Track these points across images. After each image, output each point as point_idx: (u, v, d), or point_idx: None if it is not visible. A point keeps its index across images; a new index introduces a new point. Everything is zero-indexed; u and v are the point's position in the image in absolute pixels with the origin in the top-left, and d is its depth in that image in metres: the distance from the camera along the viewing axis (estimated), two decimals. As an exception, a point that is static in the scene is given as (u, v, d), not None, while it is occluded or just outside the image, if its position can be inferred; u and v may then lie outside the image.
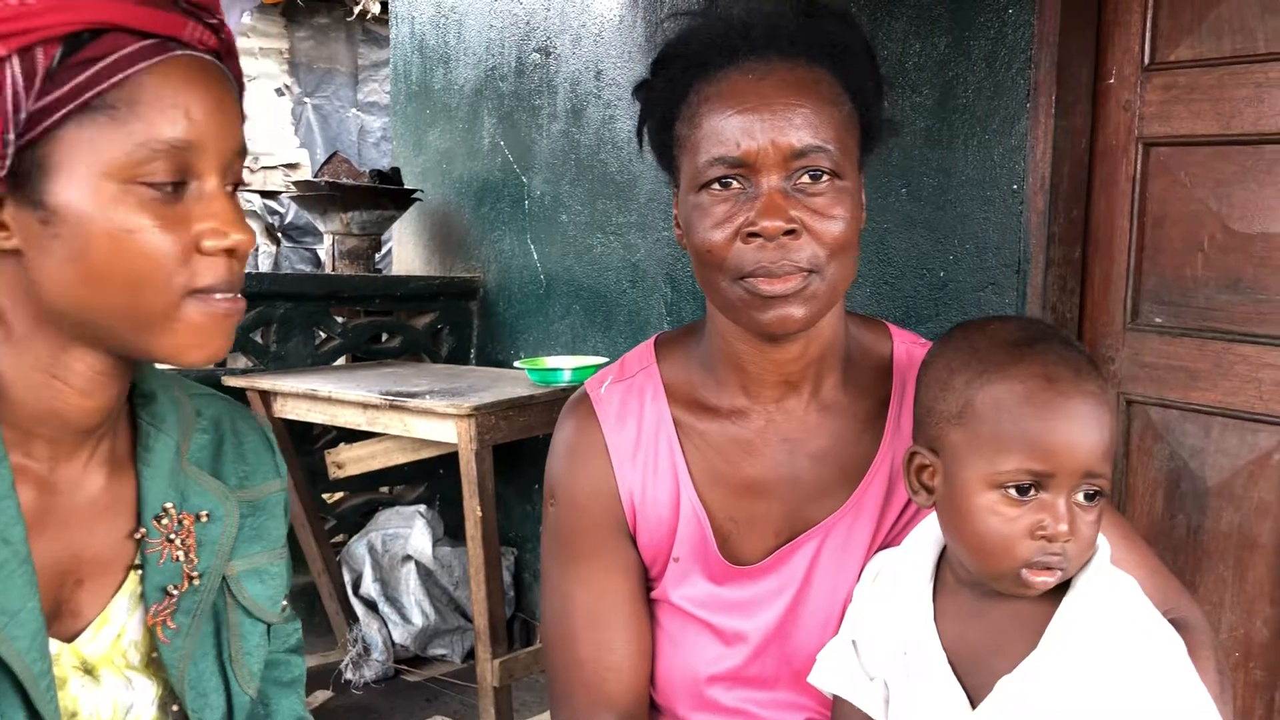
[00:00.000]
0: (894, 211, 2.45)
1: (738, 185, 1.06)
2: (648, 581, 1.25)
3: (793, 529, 1.19)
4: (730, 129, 1.05)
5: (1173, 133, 2.08)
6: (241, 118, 0.93)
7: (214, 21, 0.90)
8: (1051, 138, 2.16)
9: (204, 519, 0.99)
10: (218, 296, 0.88)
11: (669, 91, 1.12)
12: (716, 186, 1.07)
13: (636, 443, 1.21)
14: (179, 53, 0.85)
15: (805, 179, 1.05)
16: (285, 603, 1.09)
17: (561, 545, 1.23)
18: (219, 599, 1.02)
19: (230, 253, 0.88)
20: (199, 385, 1.10)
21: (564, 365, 2.94)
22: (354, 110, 7.53)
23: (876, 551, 1.19)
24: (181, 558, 0.97)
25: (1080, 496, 1.00)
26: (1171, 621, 1.05)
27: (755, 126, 1.04)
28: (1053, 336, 1.05)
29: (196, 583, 0.98)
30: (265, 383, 3.13)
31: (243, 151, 0.93)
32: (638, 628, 1.22)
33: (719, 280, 1.09)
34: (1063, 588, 1.04)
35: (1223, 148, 2.02)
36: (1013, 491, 0.99)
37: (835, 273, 1.07)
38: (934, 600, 1.10)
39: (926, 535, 1.14)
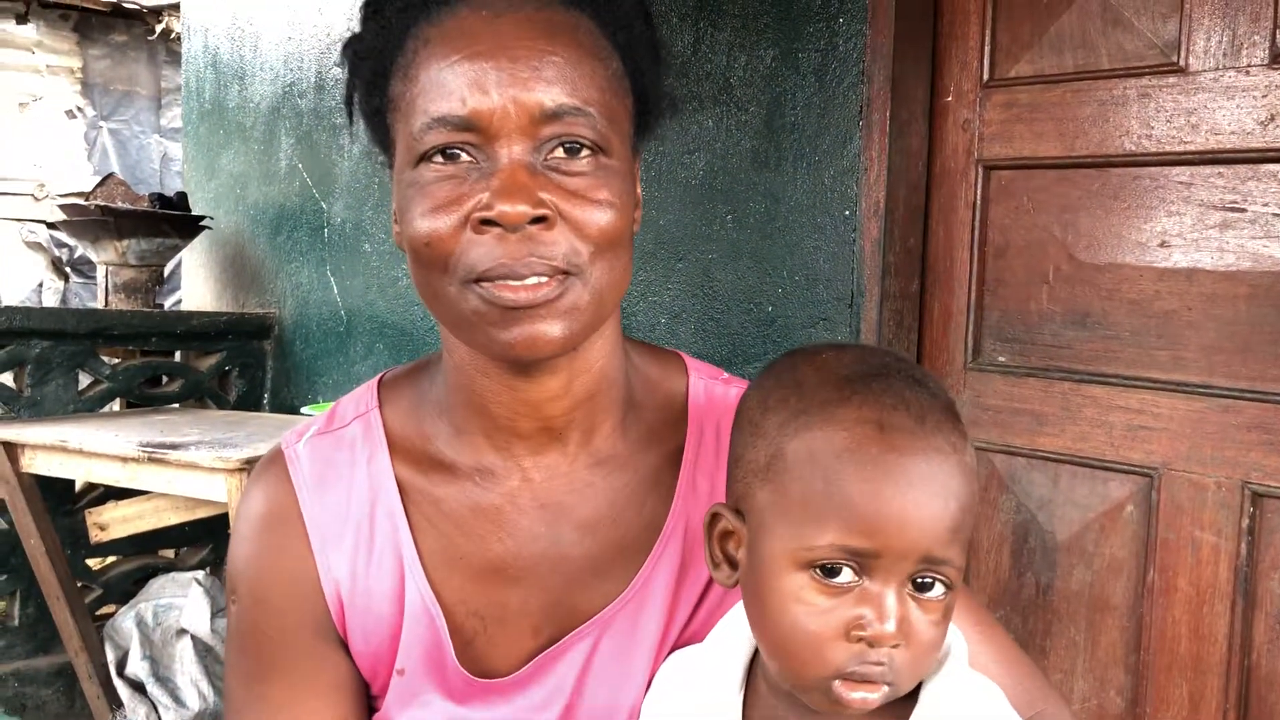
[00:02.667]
0: (719, 241, 2.21)
1: (467, 158, 0.79)
2: (369, 701, 0.94)
3: (558, 625, 0.91)
4: (456, 80, 0.77)
5: (1014, 154, 1.91)
6: None
7: None
8: (886, 159, 1.96)
9: None
10: None
11: (382, 39, 0.84)
12: (438, 159, 0.79)
13: (345, 515, 0.91)
14: None
15: (560, 152, 0.79)
16: None
17: (245, 655, 0.92)
18: None
19: None
20: None
21: (357, 411, 2.60)
22: (156, 136, 6.99)
23: (670, 650, 0.92)
24: None
25: (913, 587, 0.75)
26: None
27: (490, 77, 0.77)
28: (898, 372, 0.80)
29: None
30: (8, 432, 2.70)
31: None
32: None
33: (444, 286, 0.81)
34: (911, 696, 0.80)
35: (1067, 171, 1.86)
36: (824, 575, 0.75)
37: (601, 277, 0.81)
38: (745, 715, 0.85)
39: (736, 628, 0.88)
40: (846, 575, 0.75)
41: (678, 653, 0.92)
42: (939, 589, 0.77)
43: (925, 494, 0.75)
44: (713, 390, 0.97)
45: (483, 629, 0.91)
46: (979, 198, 1.96)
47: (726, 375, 0.99)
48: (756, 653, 0.87)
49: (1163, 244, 1.75)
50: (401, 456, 0.93)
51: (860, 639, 0.74)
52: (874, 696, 0.75)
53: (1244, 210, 1.67)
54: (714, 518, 0.83)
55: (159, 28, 6.49)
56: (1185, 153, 1.71)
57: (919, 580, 0.76)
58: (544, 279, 0.78)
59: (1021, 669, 0.94)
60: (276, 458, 0.93)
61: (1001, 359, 1.95)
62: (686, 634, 0.92)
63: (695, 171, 2.25)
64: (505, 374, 0.87)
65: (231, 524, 0.93)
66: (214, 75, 3.69)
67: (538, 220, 0.77)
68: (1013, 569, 1.95)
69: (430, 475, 0.93)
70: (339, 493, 0.91)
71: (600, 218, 0.79)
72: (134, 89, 6.86)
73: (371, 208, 3.09)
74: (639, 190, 0.88)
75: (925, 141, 2.01)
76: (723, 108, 2.20)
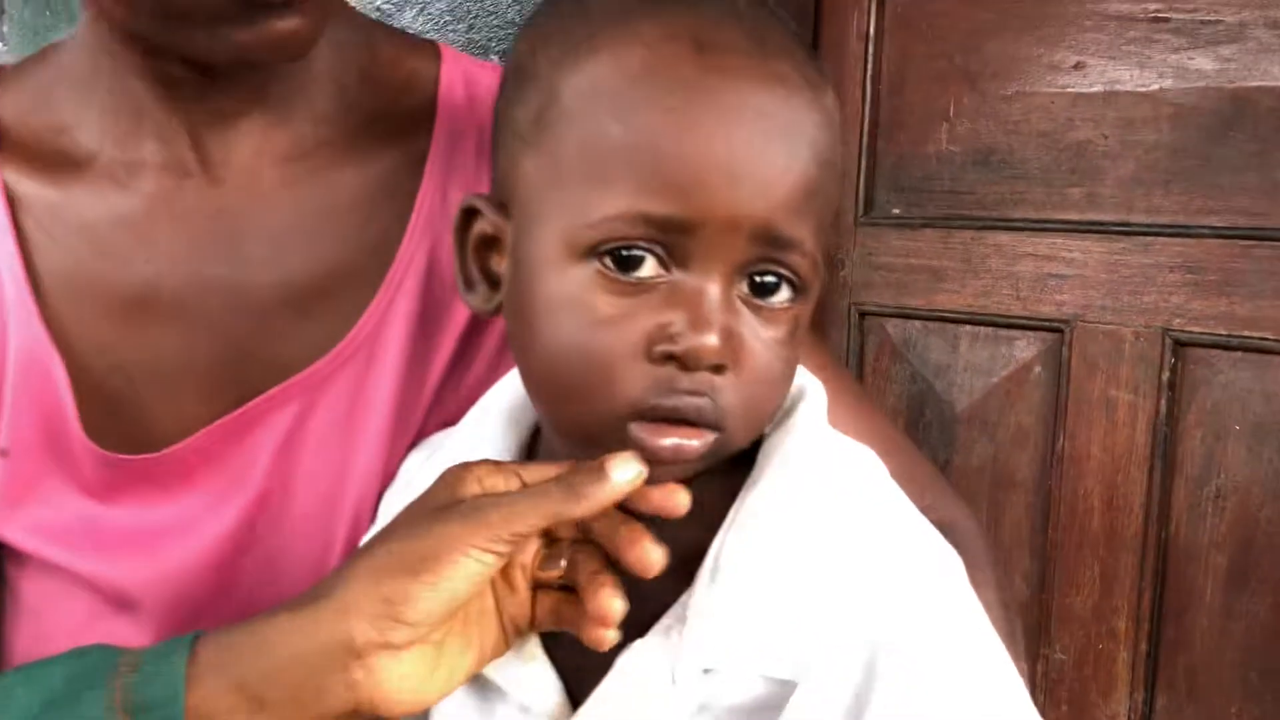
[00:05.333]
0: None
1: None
2: None
3: (245, 387, 0.65)
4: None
5: (912, -25, 1.67)
6: None
7: None
8: (769, -15, 1.71)
9: None
10: None
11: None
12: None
13: None
14: None
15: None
16: None
17: None
18: None
19: None
20: None
21: None
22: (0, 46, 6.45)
23: (418, 432, 0.66)
24: None
25: (746, 286, 0.52)
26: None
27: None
28: None
29: None
30: None
31: None
32: None
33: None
34: (745, 460, 0.57)
35: (972, -10, 1.62)
36: (616, 266, 0.51)
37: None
38: None
39: (508, 397, 0.63)
40: (649, 266, 0.51)
41: (431, 438, 0.67)
42: (785, 291, 0.52)
43: (762, 133, 0.50)
44: (477, 78, 0.71)
45: (130, 389, 0.64)
46: (872, 28, 1.72)
47: (498, 65, 0.74)
48: (539, 431, 0.62)
49: (1077, 65, 1.53)
50: (15, 153, 0.66)
51: (667, 356, 0.50)
52: (693, 444, 0.51)
53: (1168, 20, 1.46)
54: (468, 215, 0.57)
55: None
56: (1104, -44, 1.49)
57: (756, 277, 0.51)
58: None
59: (903, 452, 0.71)
60: None
61: (896, 210, 1.73)
62: (440, 411, 0.67)
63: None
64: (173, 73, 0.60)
65: None
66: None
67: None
68: (907, 445, 1.74)
69: (56, 175, 0.65)
70: None
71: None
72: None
73: None
74: None
75: (812, -34, 1.77)
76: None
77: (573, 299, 0.51)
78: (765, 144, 0.50)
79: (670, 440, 0.51)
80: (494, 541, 0.49)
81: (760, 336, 0.52)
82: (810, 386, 0.60)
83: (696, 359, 0.50)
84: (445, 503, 0.51)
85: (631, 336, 0.50)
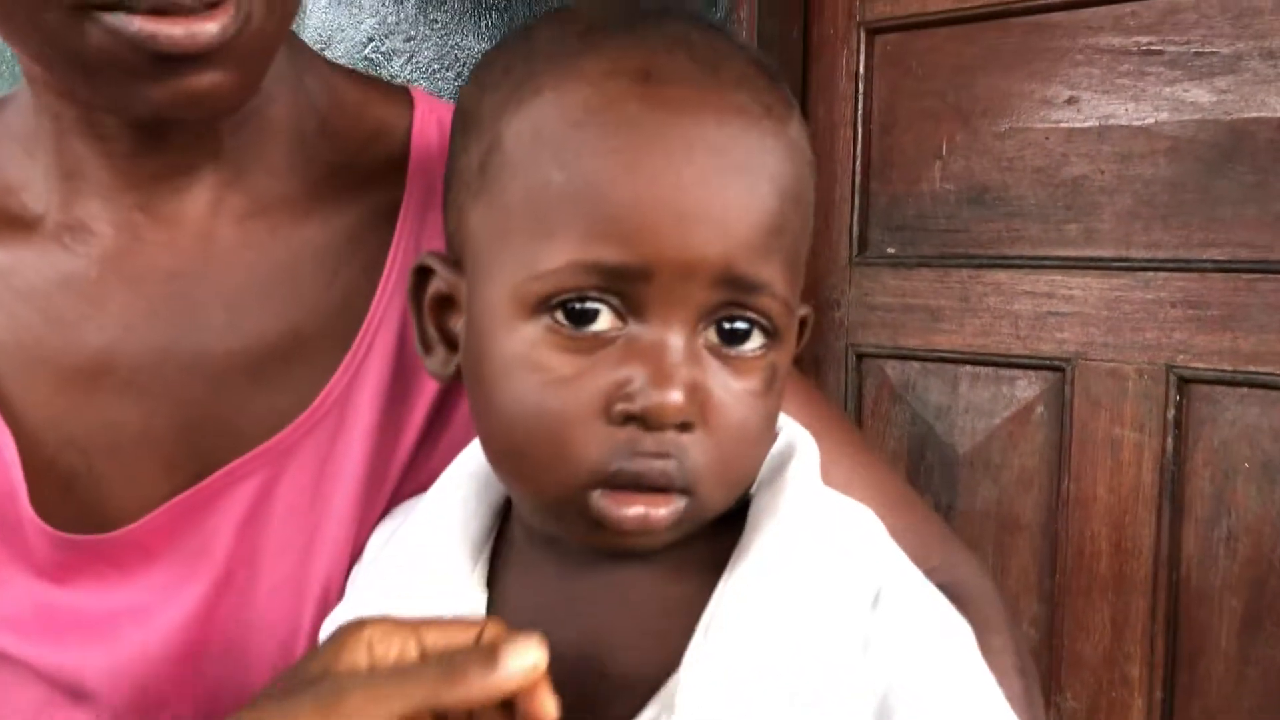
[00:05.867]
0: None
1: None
2: None
3: (206, 459, 0.61)
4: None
5: (900, 13, 1.66)
6: None
7: None
8: (756, 26, 1.70)
9: None
10: None
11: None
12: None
13: None
14: None
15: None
16: None
17: None
18: None
19: None
20: None
21: None
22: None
23: (390, 500, 0.63)
24: None
25: (714, 334, 0.48)
26: (938, 588, 0.54)
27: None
28: (683, 17, 0.52)
29: None
30: None
31: None
32: None
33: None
34: (730, 525, 0.53)
35: (960, 26, 1.61)
36: (569, 320, 0.47)
37: None
38: (492, 582, 0.57)
39: (479, 461, 0.59)
40: (604, 319, 0.47)
41: (401, 505, 0.63)
42: (756, 338, 0.48)
43: (715, 169, 0.46)
44: (448, 125, 0.68)
45: (86, 466, 0.61)
46: (862, 67, 1.71)
47: None
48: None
49: (1070, 100, 1.51)
50: None
51: (628, 417, 0.46)
52: (660, 513, 0.47)
53: (1161, 52, 1.43)
54: (421, 274, 0.54)
55: None
56: (1093, -10, 1.48)
57: (724, 324, 0.47)
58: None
59: (907, 506, 0.67)
60: None
61: (890, 250, 1.70)
62: (414, 477, 0.63)
63: (544, 57, 1.97)
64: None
65: None
66: None
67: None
68: (909, 489, 1.70)
69: (2, 239, 0.62)
70: None
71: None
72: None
73: None
74: None
75: (802, 5, 1.75)
76: (573, -19, 1.92)
77: (525, 358, 0.47)
78: (719, 180, 0.46)
79: (635, 510, 0.46)
80: None
81: (731, 389, 0.48)
82: (801, 441, 0.57)
83: (658, 417, 0.45)
84: (314, 676, 0.45)
85: (588, 396, 0.46)
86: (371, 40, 2.23)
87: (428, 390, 0.65)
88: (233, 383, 0.62)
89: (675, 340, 0.46)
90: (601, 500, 0.47)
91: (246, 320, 0.62)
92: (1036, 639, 1.58)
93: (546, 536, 0.53)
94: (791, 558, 0.52)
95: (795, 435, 0.56)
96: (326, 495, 0.62)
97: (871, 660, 0.50)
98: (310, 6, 2.31)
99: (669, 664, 0.50)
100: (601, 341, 0.46)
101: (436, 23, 2.12)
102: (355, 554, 0.63)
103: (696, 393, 0.46)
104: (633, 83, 0.47)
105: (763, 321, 0.48)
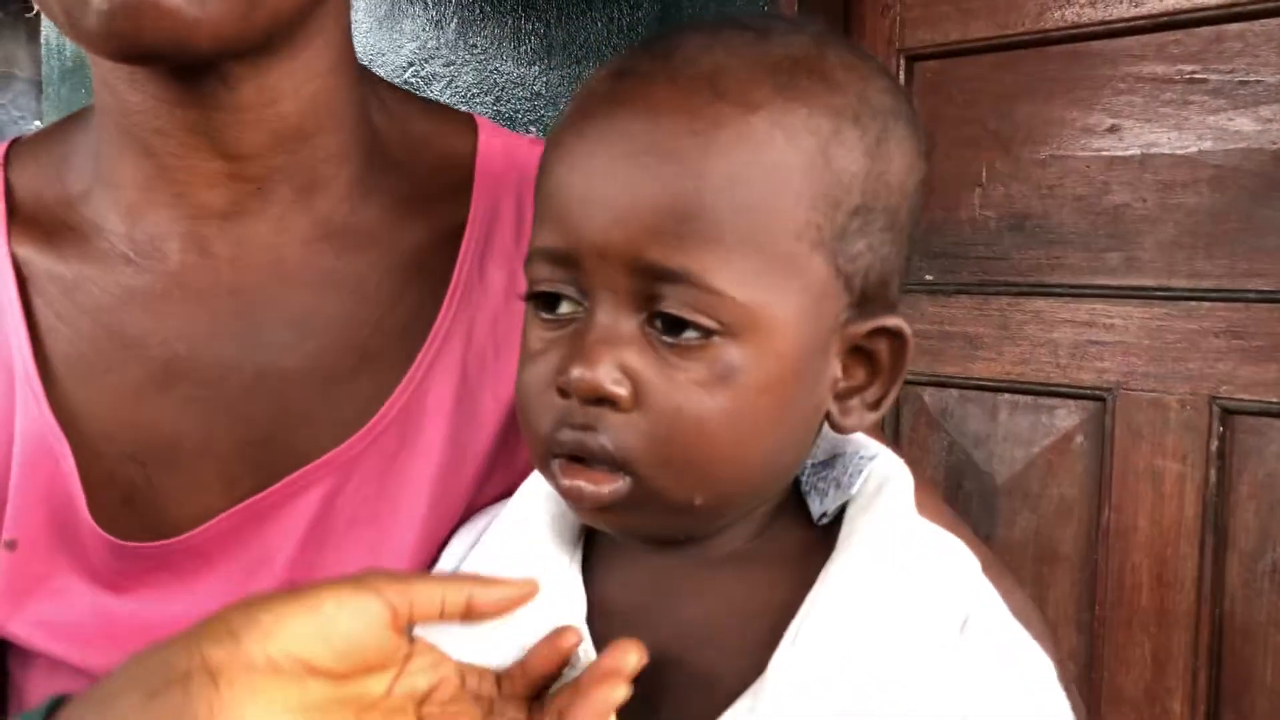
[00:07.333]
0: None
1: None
2: None
3: (268, 472, 0.62)
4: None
5: (941, 40, 1.66)
6: None
7: None
8: (796, 52, 1.70)
9: None
10: None
11: None
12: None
13: None
14: None
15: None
16: None
17: None
18: None
19: None
20: None
21: None
22: (37, 123, 6.57)
23: (463, 505, 0.63)
24: None
25: (659, 320, 0.49)
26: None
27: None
28: (737, 24, 0.53)
29: None
30: None
31: None
32: None
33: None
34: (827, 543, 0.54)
35: (1001, 54, 1.60)
36: (543, 305, 0.52)
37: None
38: (589, 578, 0.58)
39: None
40: (567, 303, 0.51)
41: (481, 512, 0.63)
42: (694, 329, 0.48)
43: (622, 155, 0.47)
44: (515, 150, 0.69)
45: (143, 477, 0.61)
46: (901, 94, 1.71)
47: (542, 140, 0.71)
48: None
49: (1112, 128, 1.50)
50: (27, 228, 0.63)
51: (560, 390, 0.49)
52: (602, 490, 0.49)
53: (1205, 81, 1.43)
54: None
55: (36, 6, 6.07)
56: (1136, 18, 1.47)
57: (663, 312, 0.48)
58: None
59: (963, 537, 0.67)
60: None
61: (929, 277, 1.69)
62: (491, 487, 0.64)
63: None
64: (154, 81, 0.58)
65: None
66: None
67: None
68: (946, 517, 1.69)
69: (68, 251, 0.63)
70: None
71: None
72: (12, 71, 6.44)
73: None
74: None
75: (841, 31, 1.75)
76: (613, 5, 1.94)
77: (523, 341, 0.53)
78: (626, 166, 0.47)
79: (575, 482, 0.49)
80: (388, 592, 0.45)
81: (671, 376, 0.48)
82: (897, 471, 0.57)
83: (573, 391, 0.48)
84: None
85: (543, 370, 0.50)
86: (412, 65, 2.25)
87: (499, 403, 0.65)
88: (295, 399, 0.62)
89: (604, 321, 0.48)
90: (555, 469, 0.50)
91: (310, 339, 0.63)
92: (1075, 672, 1.56)
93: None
94: (882, 576, 0.52)
95: (891, 464, 0.57)
96: (391, 507, 0.62)
97: (955, 686, 0.50)
98: (352, 31, 2.34)
99: (754, 669, 0.50)
100: (564, 322, 0.50)
101: (476, 48, 2.14)
102: (423, 565, 0.63)
103: (627, 374, 0.48)
104: (605, 82, 0.50)
105: (695, 310, 0.47)
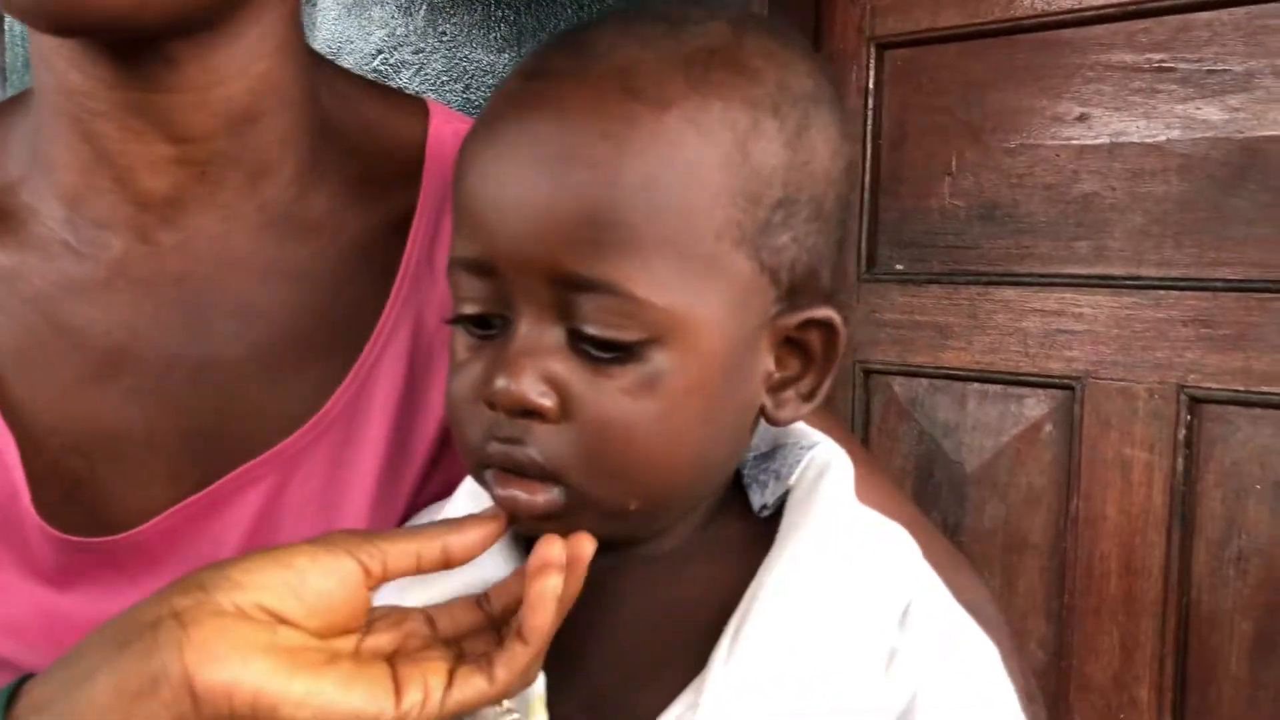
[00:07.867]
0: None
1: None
2: None
3: (213, 465, 0.60)
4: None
5: (912, 28, 1.66)
6: None
7: None
8: (766, 40, 1.69)
9: None
10: None
11: None
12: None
13: None
14: None
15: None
16: None
17: None
18: None
19: None
20: None
21: None
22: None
23: (408, 498, 0.62)
24: None
25: (561, 333, 0.48)
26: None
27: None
28: (659, 15, 0.51)
29: None
30: None
31: None
32: None
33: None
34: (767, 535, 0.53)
35: (970, 42, 1.60)
36: (460, 316, 0.51)
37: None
38: None
39: None
40: (488, 323, 0.50)
41: (425, 510, 0.62)
42: (614, 348, 0.47)
43: (533, 161, 0.46)
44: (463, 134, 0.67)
45: (88, 469, 0.60)
46: (871, 82, 1.70)
47: None
48: None
49: (1081, 117, 1.50)
50: None
51: (488, 402, 0.48)
52: (536, 500, 0.47)
53: (1173, 69, 1.43)
54: None
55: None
56: (1105, 6, 1.47)
57: (582, 331, 0.46)
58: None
59: (924, 531, 0.66)
60: None
61: (899, 266, 1.69)
62: (437, 477, 0.63)
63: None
64: (95, 61, 0.56)
65: None
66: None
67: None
68: (916, 506, 1.69)
69: (4, 238, 0.61)
70: None
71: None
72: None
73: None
74: None
75: (812, 20, 1.75)
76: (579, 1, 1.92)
77: (452, 354, 0.51)
78: (536, 175, 0.45)
79: (509, 492, 0.48)
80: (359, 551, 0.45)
81: (598, 386, 0.46)
82: (836, 459, 0.56)
83: (497, 402, 0.47)
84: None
85: (470, 381, 0.49)
86: (380, 52, 2.23)
87: (436, 398, 0.64)
88: (240, 390, 0.61)
89: (527, 331, 0.47)
90: (490, 479, 0.49)
91: (256, 329, 0.62)
92: (1044, 660, 1.56)
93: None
94: (822, 567, 0.51)
95: (830, 452, 0.56)
96: (338, 500, 0.61)
97: (897, 674, 0.50)
98: (320, 18, 2.31)
99: (698, 665, 0.49)
100: (487, 336, 0.49)
101: (445, 35, 2.12)
102: None
103: (553, 384, 0.46)
104: (517, 82, 0.48)
105: (608, 329, 0.46)
